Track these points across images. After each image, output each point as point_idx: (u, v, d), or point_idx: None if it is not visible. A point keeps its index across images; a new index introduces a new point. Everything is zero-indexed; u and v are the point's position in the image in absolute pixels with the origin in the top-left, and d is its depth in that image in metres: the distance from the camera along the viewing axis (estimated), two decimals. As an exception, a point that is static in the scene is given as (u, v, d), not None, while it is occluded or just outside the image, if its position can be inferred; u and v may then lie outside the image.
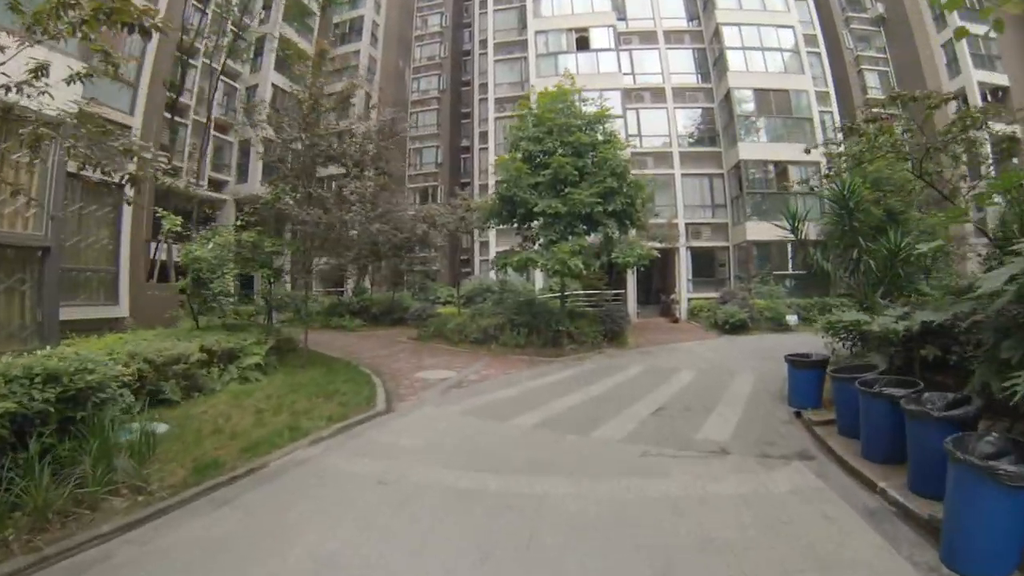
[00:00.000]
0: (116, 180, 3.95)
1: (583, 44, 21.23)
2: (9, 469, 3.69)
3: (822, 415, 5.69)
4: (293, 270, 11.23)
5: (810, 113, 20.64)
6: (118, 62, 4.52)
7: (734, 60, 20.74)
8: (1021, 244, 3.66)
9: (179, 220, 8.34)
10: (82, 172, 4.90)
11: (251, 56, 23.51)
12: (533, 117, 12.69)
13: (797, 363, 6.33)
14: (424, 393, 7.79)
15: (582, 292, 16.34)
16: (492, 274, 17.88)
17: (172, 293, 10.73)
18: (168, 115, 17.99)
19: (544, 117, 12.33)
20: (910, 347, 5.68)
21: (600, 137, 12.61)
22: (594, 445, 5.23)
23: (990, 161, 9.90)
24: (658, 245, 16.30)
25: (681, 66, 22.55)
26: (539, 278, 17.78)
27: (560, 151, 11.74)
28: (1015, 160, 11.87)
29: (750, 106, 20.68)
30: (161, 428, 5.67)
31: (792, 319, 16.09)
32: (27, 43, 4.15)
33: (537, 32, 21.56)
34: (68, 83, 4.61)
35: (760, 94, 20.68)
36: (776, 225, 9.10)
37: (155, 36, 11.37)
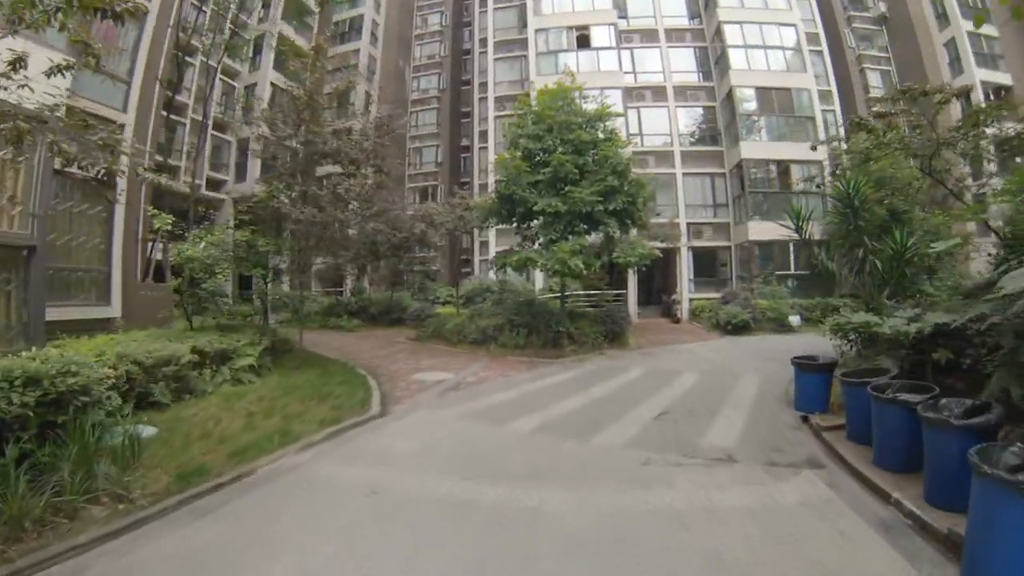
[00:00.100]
0: (92, 175, 3.77)
1: (584, 42, 21.06)
2: (-16, 476, 3.56)
3: (830, 420, 5.50)
4: (290, 270, 11.06)
5: (812, 112, 20.48)
6: (98, 53, 4.35)
7: (736, 58, 20.57)
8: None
9: (170, 219, 8.17)
10: (66, 169, 4.74)
11: (250, 54, 23.38)
12: (533, 115, 12.51)
13: (804, 366, 6.14)
14: (420, 396, 7.61)
15: (582, 292, 16.18)
16: (492, 274, 17.72)
17: (166, 293, 10.58)
18: (165, 113, 17.89)
19: (544, 114, 12.15)
20: (921, 350, 5.51)
21: (601, 135, 12.43)
22: (594, 452, 5.03)
23: (992, 159, 9.70)
24: (660, 245, 16.12)
25: (682, 64, 22.39)
26: (539, 278, 17.62)
27: (560, 149, 11.57)
28: (1018, 159, 11.65)
29: (752, 105, 20.52)
30: (149, 431, 5.51)
31: (795, 320, 15.92)
32: (7, 34, 3.99)
33: (537, 30, 21.41)
34: (48, 76, 4.45)
35: (762, 92, 20.52)
36: (781, 225, 8.91)
37: (149, 32, 11.10)
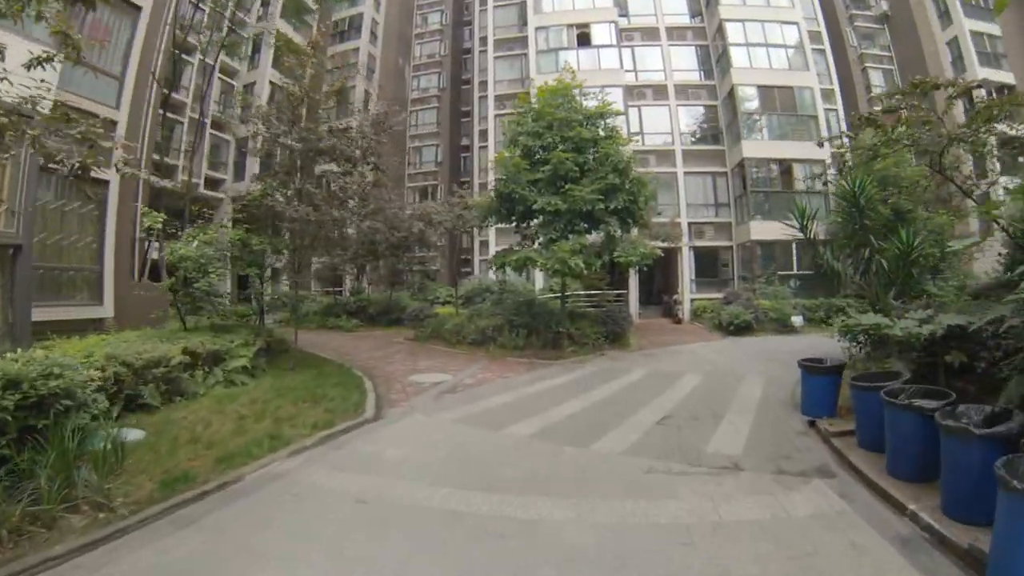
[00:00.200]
0: (68, 170, 3.60)
1: (584, 40, 20.90)
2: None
3: (839, 425, 5.31)
4: (286, 269, 10.90)
5: (815, 110, 20.30)
6: (79, 45, 4.18)
7: (737, 57, 20.39)
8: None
9: (161, 217, 8.00)
10: (51, 166, 4.57)
11: (248, 53, 23.23)
12: (533, 112, 12.33)
13: (811, 369, 5.95)
14: (416, 399, 7.44)
15: (583, 292, 16.01)
16: (491, 274, 17.55)
17: (160, 293, 10.42)
18: (162, 112, 17.73)
19: (544, 112, 11.98)
20: (933, 352, 5.34)
21: (602, 132, 12.26)
22: (594, 459, 4.85)
23: (1002, 157, 9.52)
24: (661, 244, 15.94)
25: (684, 63, 22.21)
26: (539, 278, 17.45)
27: (560, 146, 11.38)
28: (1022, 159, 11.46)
29: (754, 103, 20.34)
30: (136, 435, 5.36)
31: (797, 320, 15.75)
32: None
33: (538, 28, 21.25)
34: (28, 68, 4.28)
35: (764, 91, 20.34)
36: (787, 224, 8.75)
37: (143, 28, 10.90)
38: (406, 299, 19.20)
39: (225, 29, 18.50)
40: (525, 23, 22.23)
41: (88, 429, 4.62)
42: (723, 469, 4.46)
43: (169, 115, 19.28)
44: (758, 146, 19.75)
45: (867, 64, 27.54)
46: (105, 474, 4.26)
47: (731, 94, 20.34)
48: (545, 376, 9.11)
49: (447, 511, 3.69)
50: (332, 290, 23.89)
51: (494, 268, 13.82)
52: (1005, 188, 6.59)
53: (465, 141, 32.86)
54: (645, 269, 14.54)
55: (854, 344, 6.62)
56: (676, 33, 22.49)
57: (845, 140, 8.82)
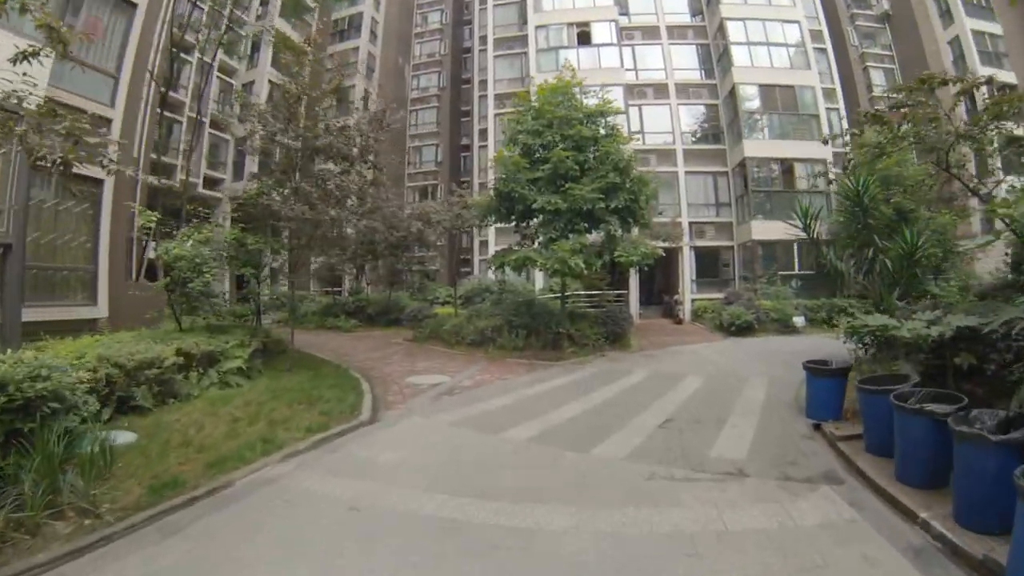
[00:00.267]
0: (48, 166, 3.49)
1: (584, 39, 20.78)
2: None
3: (845, 429, 5.19)
4: (282, 269, 10.77)
5: (816, 110, 20.19)
6: (66, 39, 4.07)
7: (739, 55, 20.28)
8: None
9: (155, 216, 7.88)
10: (38, 163, 4.46)
11: (247, 52, 23.12)
12: (532, 110, 12.20)
13: (816, 371, 5.83)
14: (413, 401, 7.31)
15: (583, 292, 15.89)
16: (491, 274, 17.42)
17: (156, 293, 10.31)
18: (160, 111, 17.62)
19: (543, 110, 11.84)
20: (941, 354, 5.22)
21: (602, 131, 12.13)
22: (595, 464, 4.72)
23: (1012, 155, 9.40)
24: (662, 244, 15.81)
25: (684, 62, 22.09)
26: (539, 278, 17.33)
27: (560, 145, 11.25)
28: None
29: (755, 103, 20.22)
30: (127, 438, 5.25)
31: (799, 320, 15.63)
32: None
33: (537, 27, 21.14)
34: (14, 63, 4.17)
35: (765, 90, 20.21)
36: (790, 224, 8.64)
37: (138, 25, 10.77)
38: (405, 299, 19.09)
39: (223, 27, 18.38)
40: (525, 22, 22.12)
41: (77, 432, 4.53)
42: (727, 475, 4.33)
43: (167, 114, 19.17)
44: (759, 145, 19.63)
45: (868, 63, 27.44)
46: (93, 479, 4.16)
47: (732, 93, 20.22)
48: (545, 378, 8.99)
49: (442, 520, 3.57)
50: (331, 290, 23.78)
51: (493, 268, 13.69)
52: (1012, 187, 6.46)
53: (465, 141, 32.76)
54: (646, 269, 14.42)
55: (860, 346, 6.49)
56: (677, 32, 22.37)
57: (849, 138, 8.70)
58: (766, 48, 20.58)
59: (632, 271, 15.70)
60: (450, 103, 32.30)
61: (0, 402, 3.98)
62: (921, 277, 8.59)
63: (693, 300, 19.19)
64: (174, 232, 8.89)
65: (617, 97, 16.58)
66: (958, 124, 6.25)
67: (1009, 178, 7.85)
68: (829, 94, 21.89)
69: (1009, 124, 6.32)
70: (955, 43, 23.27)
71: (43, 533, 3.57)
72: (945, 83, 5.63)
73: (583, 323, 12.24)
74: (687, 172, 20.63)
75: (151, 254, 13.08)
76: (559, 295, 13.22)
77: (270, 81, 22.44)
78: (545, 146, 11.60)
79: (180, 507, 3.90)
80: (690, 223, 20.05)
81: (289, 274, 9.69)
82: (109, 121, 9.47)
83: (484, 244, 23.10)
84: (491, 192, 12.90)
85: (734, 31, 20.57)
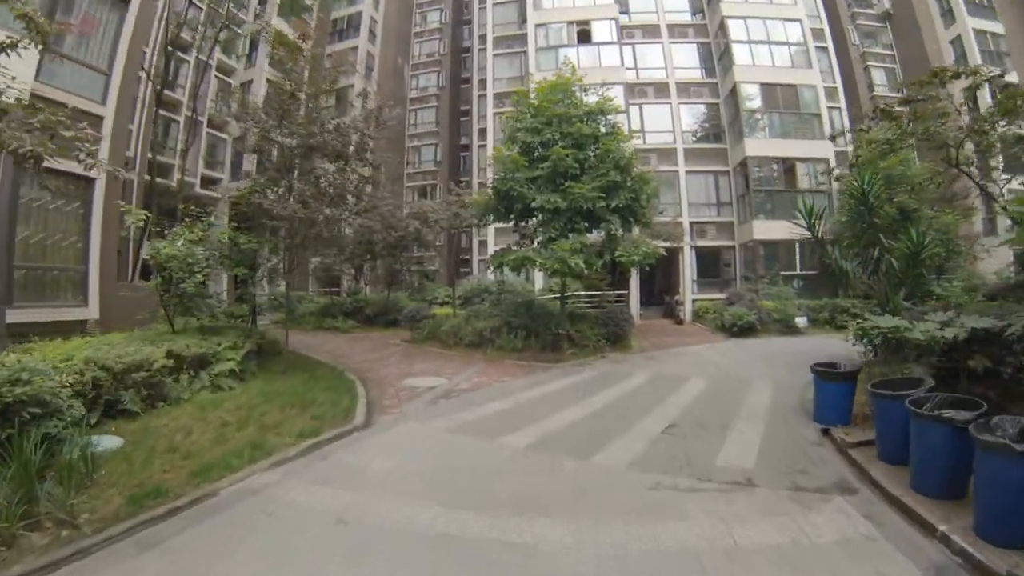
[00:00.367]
0: (22, 162, 3.32)
1: (584, 37, 20.62)
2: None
3: (855, 435, 5.01)
4: (278, 269, 10.58)
5: (818, 109, 20.05)
6: (45, 30, 3.90)
7: (740, 54, 20.11)
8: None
9: (144, 215, 7.70)
10: (22, 160, 4.29)
11: (245, 51, 22.97)
12: (531, 108, 12.01)
13: (825, 374, 5.64)
14: (409, 404, 7.13)
15: (583, 293, 15.71)
16: (490, 274, 17.23)
17: (148, 293, 10.13)
18: (156, 109, 17.45)
19: (543, 107, 11.65)
20: (954, 357, 5.05)
21: (602, 129, 11.94)
22: (596, 473, 4.53)
23: (1012, 152, 9.24)
24: (663, 244, 15.64)
25: (685, 60, 21.93)
26: (538, 278, 17.14)
27: (560, 143, 11.06)
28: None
29: (756, 102, 20.03)
30: (114, 443, 5.07)
31: (801, 321, 15.46)
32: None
33: (537, 25, 20.97)
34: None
35: (767, 89, 20.04)
36: (794, 223, 8.48)
37: (131, 21, 10.58)
38: (404, 300, 18.91)
39: (220, 25, 18.21)
40: (525, 20, 21.94)
41: (60, 438, 4.37)
42: (735, 484, 4.14)
43: (164, 113, 19.02)
44: (761, 144, 19.46)
45: (869, 63, 27.31)
46: (73, 487, 3.99)
47: (733, 92, 20.05)
48: (544, 380, 8.80)
49: (435, 534, 3.39)
50: (329, 290, 23.61)
51: (492, 268, 13.50)
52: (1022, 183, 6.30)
53: (464, 140, 32.61)
54: (647, 269, 14.24)
55: (868, 348, 6.31)
56: (677, 30, 22.21)
57: (851, 135, 8.53)
58: (767, 47, 20.42)
59: (633, 271, 15.51)
60: (449, 103, 32.15)
61: (-26, 408, 3.81)
62: (926, 277, 8.43)
63: (694, 300, 19.02)
64: (165, 232, 8.70)
65: (618, 96, 16.41)
66: (967, 120, 6.07)
67: (1021, 177, 7.70)
68: (831, 93, 21.74)
69: (1020, 122, 6.15)
70: (957, 42, 23.14)
71: (19, 545, 3.42)
72: (957, 76, 5.45)
73: (583, 324, 12.06)
74: (688, 171, 20.45)
75: (146, 254, 12.91)
76: (559, 295, 13.03)
77: (268, 80, 22.29)
78: (544, 144, 11.40)
79: (161, 518, 3.73)
80: (691, 223, 19.87)
81: (285, 274, 9.50)
82: (100, 119, 9.30)
83: (483, 244, 22.93)
84: (489, 191, 12.71)
85: (735, 29, 20.41)
